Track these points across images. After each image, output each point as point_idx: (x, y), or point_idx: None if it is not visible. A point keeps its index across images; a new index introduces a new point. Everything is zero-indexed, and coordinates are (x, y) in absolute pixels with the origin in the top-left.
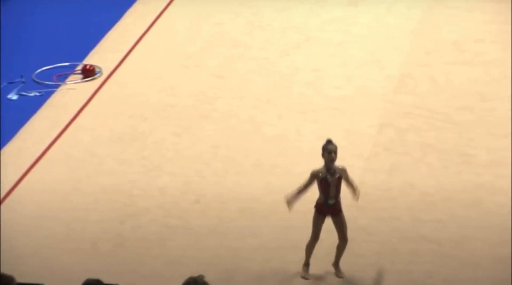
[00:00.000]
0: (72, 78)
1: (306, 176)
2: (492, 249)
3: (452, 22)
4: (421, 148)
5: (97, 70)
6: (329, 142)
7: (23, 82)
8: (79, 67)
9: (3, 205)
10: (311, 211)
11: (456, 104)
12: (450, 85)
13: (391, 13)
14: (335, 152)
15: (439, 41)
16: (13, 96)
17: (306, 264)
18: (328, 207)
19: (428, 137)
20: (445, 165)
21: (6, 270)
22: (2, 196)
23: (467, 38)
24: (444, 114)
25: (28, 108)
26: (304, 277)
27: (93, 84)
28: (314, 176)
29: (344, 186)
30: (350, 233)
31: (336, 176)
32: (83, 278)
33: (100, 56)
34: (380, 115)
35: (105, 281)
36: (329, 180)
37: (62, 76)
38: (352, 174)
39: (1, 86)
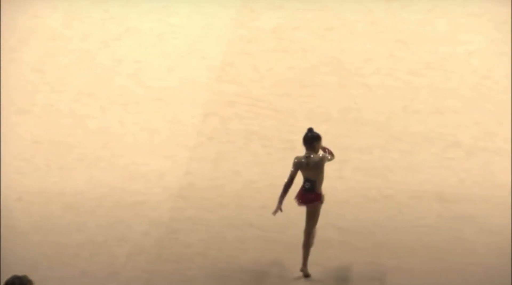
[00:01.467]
0: None
1: (131, 168)
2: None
3: (270, 10)
4: (245, 136)
5: None
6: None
7: None
8: None
9: None
10: (139, 205)
11: (277, 92)
12: (271, 72)
13: (210, 2)
14: None
15: (259, 30)
16: None
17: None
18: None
19: (252, 125)
20: (269, 152)
21: None
22: None
23: (285, 26)
24: (266, 102)
25: None
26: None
27: None
28: None
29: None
30: (177, 224)
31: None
32: None
33: None
34: (204, 105)
35: None
36: None
37: None
38: (178, 164)
39: None
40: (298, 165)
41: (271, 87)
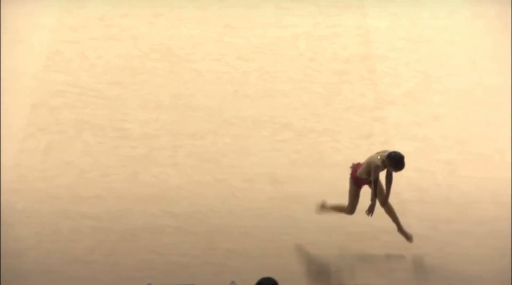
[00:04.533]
0: None
1: None
2: (150, 219)
3: None
4: (76, 125)
5: None
6: None
7: None
8: None
9: None
10: None
11: (107, 80)
12: (100, 60)
13: None
14: None
15: (86, 17)
16: None
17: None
18: None
19: (83, 114)
20: (101, 141)
21: None
22: None
23: (112, 13)
24: (96, 90)
25: None
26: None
27: None
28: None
29: None
30: (8, 218)
31: None
32: None
33: None
34: (32, 95)
35: None
36: None
37: None
38: (7, 157)
39: None
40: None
41: (101, 75)
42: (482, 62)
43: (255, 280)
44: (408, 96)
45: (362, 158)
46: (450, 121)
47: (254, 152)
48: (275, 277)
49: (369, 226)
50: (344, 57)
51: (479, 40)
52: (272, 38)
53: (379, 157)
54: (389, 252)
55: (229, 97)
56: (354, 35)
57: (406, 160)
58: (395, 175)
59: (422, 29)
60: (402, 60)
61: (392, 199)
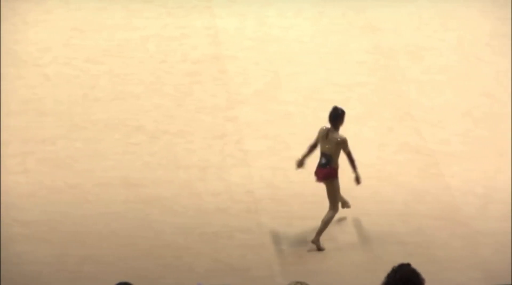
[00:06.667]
0: None
1: None
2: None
3: None
4: None
5: None
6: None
7: None
8: None
9: None
10: None
11: None
12: None
13: None
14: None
15: None
16: None
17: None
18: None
19: None
20: None
21: None
22: None
23: None
24: None
25: None
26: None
27: None
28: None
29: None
30: None
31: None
32: None
33: None
34: None
35: None
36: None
37: None
38: None
39: None
40: (319, 133)
41: None
42: (328, 60)
43: None
44: (259, 95)
45: (216, 158)
46: (300, 118)
47: (107, 156)
48: (132, 281)
49: (224, 226)
50: (194, 58)
51: (325, 39)
52: (121, 41)
53: (324, 127)
54: (244, 251)
55: (79, 101)
56: (204, 35)
57: (258, 159)
58: (250, 173)
59: (270, 29)
60: (252, 60)
61: (245, 198)
